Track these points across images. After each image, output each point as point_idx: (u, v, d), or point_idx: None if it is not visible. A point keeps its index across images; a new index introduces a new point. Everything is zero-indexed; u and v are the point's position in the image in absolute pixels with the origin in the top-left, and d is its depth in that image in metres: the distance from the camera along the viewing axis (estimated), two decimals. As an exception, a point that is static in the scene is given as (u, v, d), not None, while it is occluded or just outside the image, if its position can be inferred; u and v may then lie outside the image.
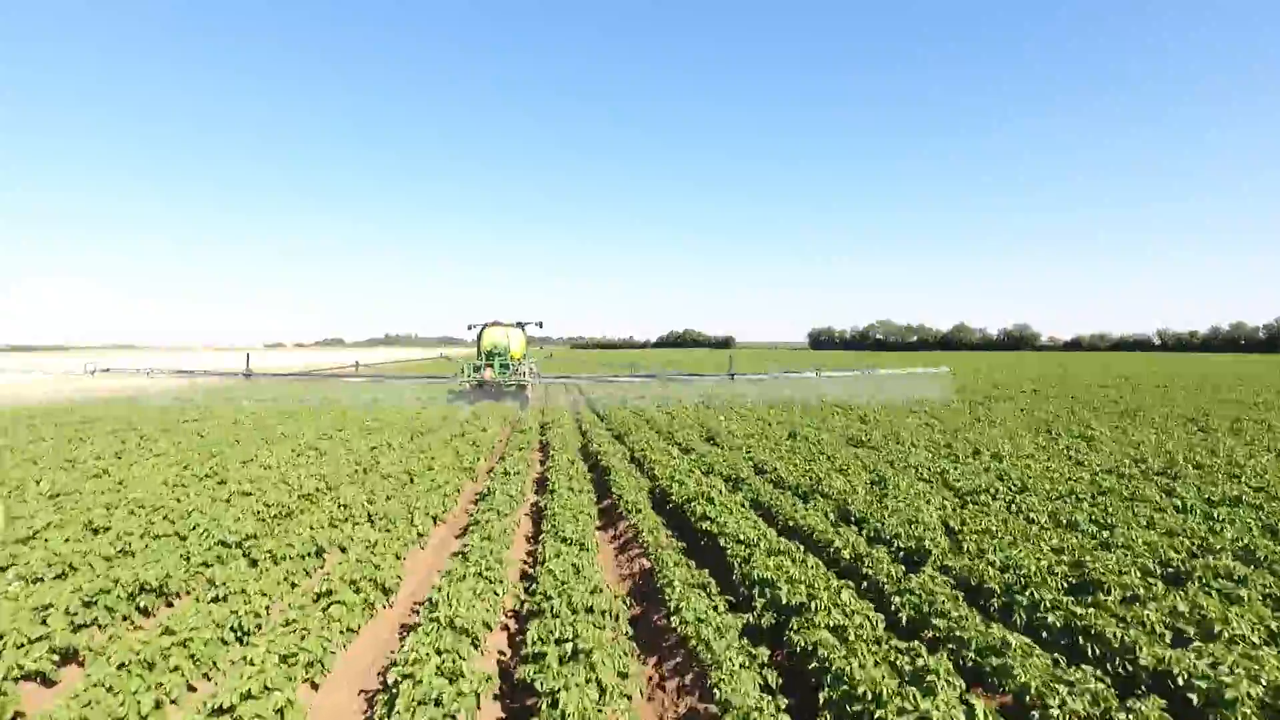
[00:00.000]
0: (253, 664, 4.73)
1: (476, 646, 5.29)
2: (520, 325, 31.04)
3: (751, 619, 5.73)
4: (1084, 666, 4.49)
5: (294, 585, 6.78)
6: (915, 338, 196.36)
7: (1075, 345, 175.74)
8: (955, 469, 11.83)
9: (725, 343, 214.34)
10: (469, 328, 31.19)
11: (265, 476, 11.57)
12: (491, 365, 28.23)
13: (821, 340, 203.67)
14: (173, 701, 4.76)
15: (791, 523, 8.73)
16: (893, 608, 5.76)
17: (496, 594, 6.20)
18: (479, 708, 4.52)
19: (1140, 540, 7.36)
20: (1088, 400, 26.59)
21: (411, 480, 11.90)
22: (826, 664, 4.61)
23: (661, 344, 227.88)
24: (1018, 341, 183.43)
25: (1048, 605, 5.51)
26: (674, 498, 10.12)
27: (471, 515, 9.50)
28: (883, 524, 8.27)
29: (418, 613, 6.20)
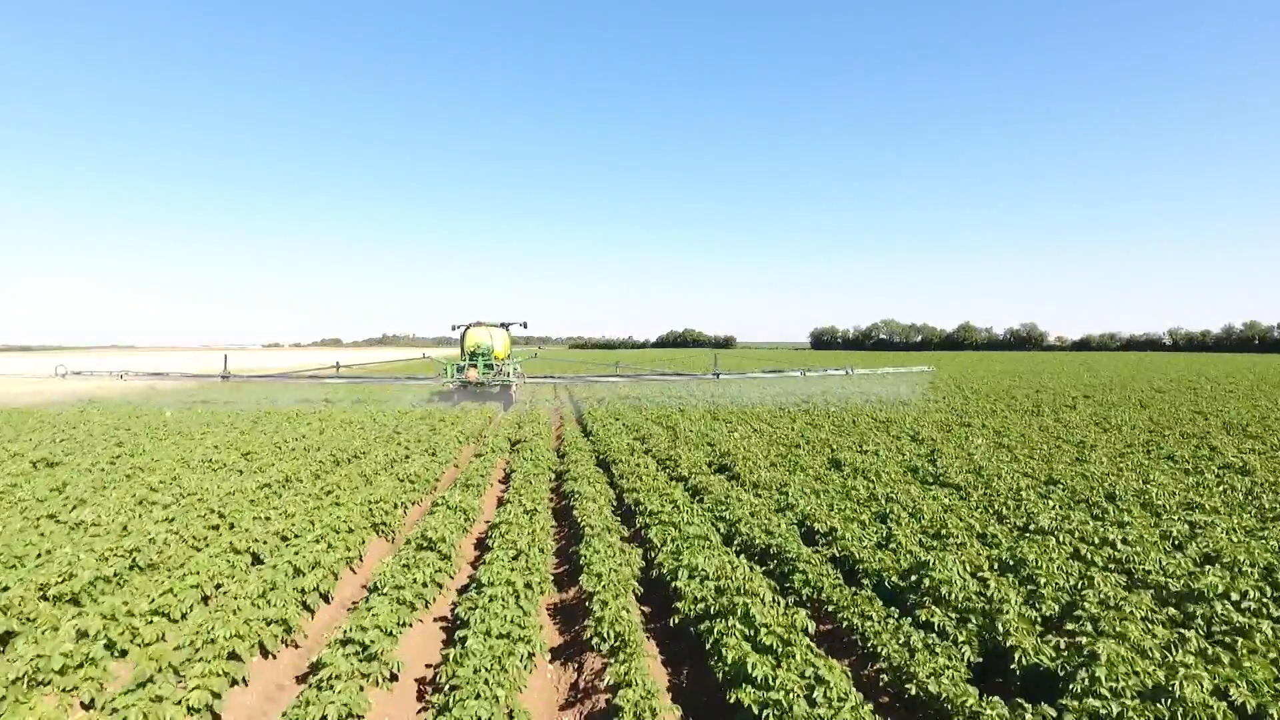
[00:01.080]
0: None
1: None
2: (505, 325, 30.09)
3: None
4: None
5: None
6: (920, 337, 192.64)
7: (1084, 345, 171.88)
8: (1113, 533, 7.67)
9: (726, 342, 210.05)
10: (453, 328, 30.15)
11: (45, 546, 7.43)
12: (475, 365, 27.20)
13: (824, 340, 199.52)
14: None
15: (910, 687, 4.58)
16: None
17: None
18: None
19: None
20: (1164, 409, 22.41)
21: (283, 546, 7.79)
22: None
23: (661, 344, 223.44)
24: (1024, 341, 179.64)
25: None
26: (683, 601, 5.98)
27: (340, 638, 5.37)
28: (1106, 707, 4.12)
29: None
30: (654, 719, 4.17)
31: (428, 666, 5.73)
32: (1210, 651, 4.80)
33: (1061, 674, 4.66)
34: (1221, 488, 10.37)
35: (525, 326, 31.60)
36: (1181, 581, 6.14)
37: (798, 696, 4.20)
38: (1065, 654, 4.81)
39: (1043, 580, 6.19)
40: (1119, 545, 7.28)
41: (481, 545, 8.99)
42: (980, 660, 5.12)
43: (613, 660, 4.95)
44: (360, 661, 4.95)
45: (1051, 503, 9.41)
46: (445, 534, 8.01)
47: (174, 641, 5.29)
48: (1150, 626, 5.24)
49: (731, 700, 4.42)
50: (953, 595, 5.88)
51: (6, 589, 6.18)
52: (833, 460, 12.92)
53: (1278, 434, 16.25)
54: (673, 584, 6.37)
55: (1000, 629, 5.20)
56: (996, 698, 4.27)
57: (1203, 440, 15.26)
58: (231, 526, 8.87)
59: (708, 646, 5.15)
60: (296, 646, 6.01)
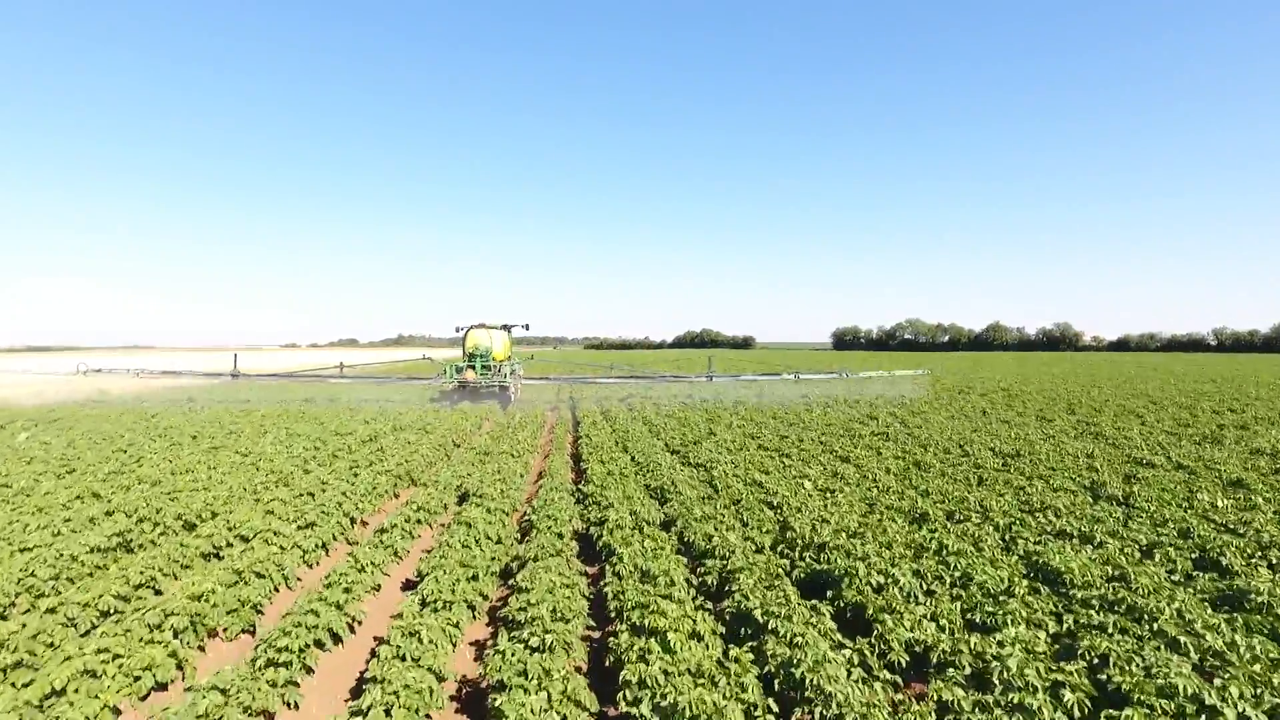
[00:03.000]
0: None
1: None
2: (506, 328, 30.52)
3: None
4: None
5: None
6: (947, 337, 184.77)
7: (1122, 345, 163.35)
8: None
9: (745, 343, 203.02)
10: (457, 329, 30.58)
11: None
12: (473, 367, 27.51)
13: (846, 340, 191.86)
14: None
15: None
16: None
17: None
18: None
19: None
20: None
21: None
22: None
23: (679, 344, 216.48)
24: (1057, 341, 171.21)
25: None
26: None
27: None
28: None
29: None
30: None
31: None
32: None
33: None
34: None
35: (527, 329, 31.60)
36: None
37: None
38: None
39: None
40: None
41: None
42: None
43: None
44: None
45: None
46: None
47: None
48: None
49: None
50: None
51: None
52: (1029, 563, 6.78)
53: None
54: None
55: None
56: None
57: None
58: None
59: None
60: None
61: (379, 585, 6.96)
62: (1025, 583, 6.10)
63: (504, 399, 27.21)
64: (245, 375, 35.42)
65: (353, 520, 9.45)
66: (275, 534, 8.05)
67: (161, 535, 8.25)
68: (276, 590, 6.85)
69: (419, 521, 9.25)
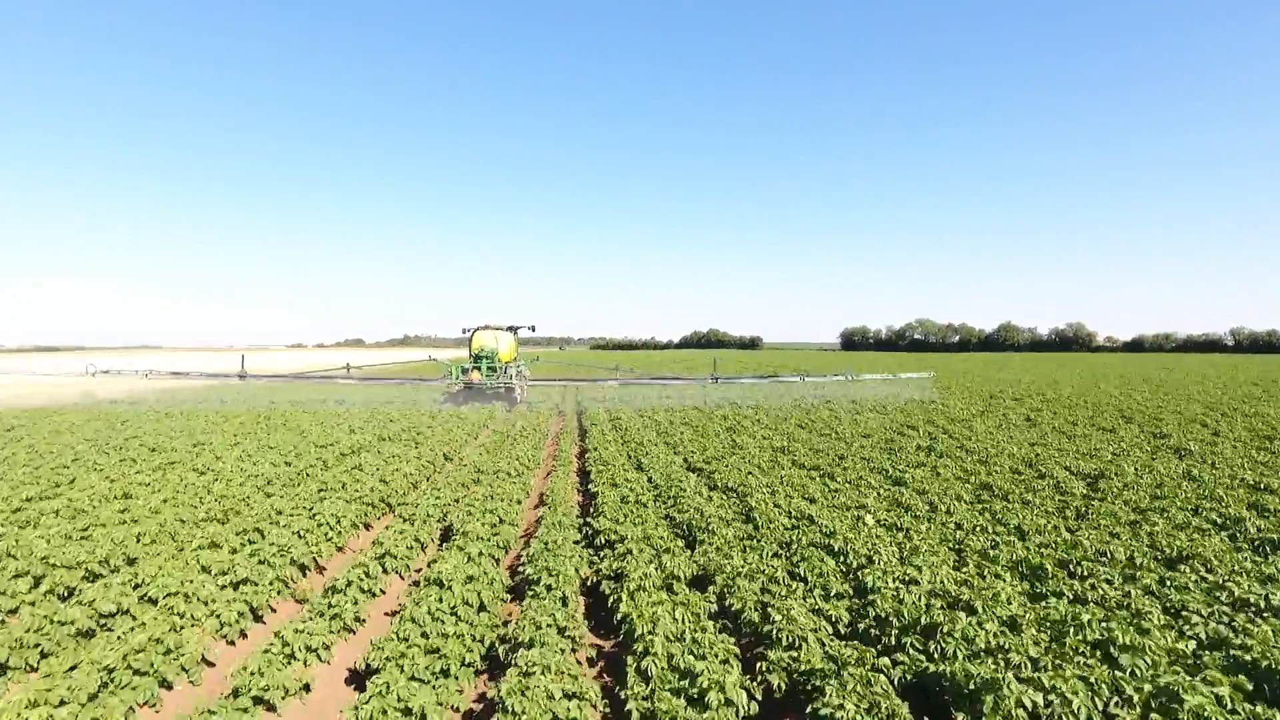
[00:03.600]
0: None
1: None
2: (512, 329, 30.12)
3: None
4: None
5: None
6: (957, 338, 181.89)
7: (1137, 346, 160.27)
8: None
9: (752, 343, 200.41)
10: (463, 330, 30.41)
11: None
12: (478, 368, 27.15)
13: (855, 340, 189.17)
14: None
15: None
16: None
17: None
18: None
19: None
20: None
21: None
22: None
23: (685, 344, 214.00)
24: (1070, 342, 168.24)
25: None
26: None
27: None
28: None
29: None
30: None
31: None
32: None
33: None
34: None
35: (533, 330, 31.53)
36: None
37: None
38: None
39: None
40: None
41: None
42: None
43: None
44: None
45: None
46: None
47: None
48: None
49: None
50: None
51: None
52: (1229, 658, 4.70)
53: None
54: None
55: None
56: None
57: None
58: None
59: None
60: None
61: (308, 685, 5.01)
62: (1248, 704, 4.09)
63: (510, 400, 26.99)
64: (252, 376, 34.94)
65: (304, 569, 7.53)
66: (189, 597, 6.12)
67: (46, 595, 6.34)
68: (169, 688, 4.92)
69: (386, 570, 7.33)
